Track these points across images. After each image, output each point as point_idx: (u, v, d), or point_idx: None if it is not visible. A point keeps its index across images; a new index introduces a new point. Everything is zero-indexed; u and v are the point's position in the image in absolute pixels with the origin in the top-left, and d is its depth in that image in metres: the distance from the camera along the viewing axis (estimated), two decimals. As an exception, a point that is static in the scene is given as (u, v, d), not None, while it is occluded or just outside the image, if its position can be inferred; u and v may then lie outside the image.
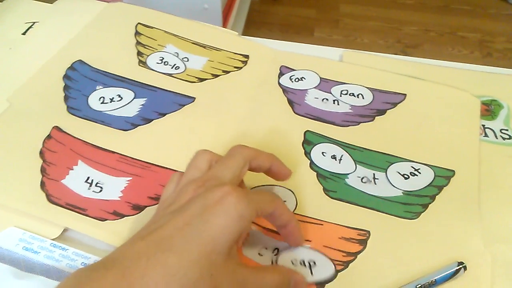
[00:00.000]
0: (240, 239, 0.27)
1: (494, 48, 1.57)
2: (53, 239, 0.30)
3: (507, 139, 0.39)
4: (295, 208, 0.33)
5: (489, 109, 0.42)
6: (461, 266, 0.29)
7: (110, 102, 0.40)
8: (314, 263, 0.30)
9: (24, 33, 0.47)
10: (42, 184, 0.33)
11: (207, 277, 0.23)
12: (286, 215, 0.28)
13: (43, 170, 0.34)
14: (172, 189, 0.29)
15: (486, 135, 0.39)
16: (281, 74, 0.44)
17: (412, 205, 0.33)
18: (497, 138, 0.39)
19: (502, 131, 0.40)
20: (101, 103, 0.40)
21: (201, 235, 0.23)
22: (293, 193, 0.34)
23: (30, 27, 0.47)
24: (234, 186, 0.25)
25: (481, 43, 1.59)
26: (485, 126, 0.40)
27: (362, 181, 0.35)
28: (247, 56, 0.46)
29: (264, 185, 0.34)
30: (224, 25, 1.14)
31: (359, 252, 0.30)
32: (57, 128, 0.38)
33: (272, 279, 0.26)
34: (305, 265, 0.30)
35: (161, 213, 0.26)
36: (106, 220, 0.32)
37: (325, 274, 0.29)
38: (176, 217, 0.25)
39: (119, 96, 0.41)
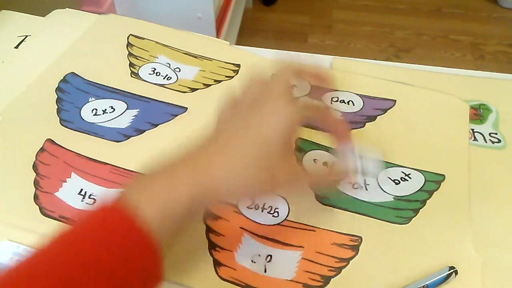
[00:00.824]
0: (292, 140, 0.30)
1: (486, 51, 1.58)
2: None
3: (496, 142, 0.39)
4: (287, 215, 0.33)
5: (478, 113, 0.42)
6: (452, 270, 0.29)
7: (103, 113, 0.41)
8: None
9: (16, 47, 0.47)
10: (36, 197, 0.34)
11: (264, 171, 0.27)
12: (335, 121, 0.32)
13: (36, 183, 0.35)
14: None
15: (475, 139, 0.40)
16: (272, 82, 0.44)
17: (403, 210, 0.34)
18: (486, 142, 0.39)
19: (491, 134, 0.40)
20: (94, 115, 0.40)
21: (258, 136, 0.28)
22: (286, 200, 0.34)
23: (23, 40, 0.48)
24: (285, 97, 0.29)
25: (473, 46, 1.60)
26: (474, 130, 0.40)
27: (353, 187, 0.35)
28: (238, 66, 0.46)
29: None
30: (218, 33, 1.15)
31: (352, 257, 0.31)
32: (50, 140, 0.38)
33: (316, 179, 0.32)
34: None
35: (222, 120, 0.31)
36: None
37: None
38: (235, 123, 0.29)
39: (112, 107, 0.41)
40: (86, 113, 0.41)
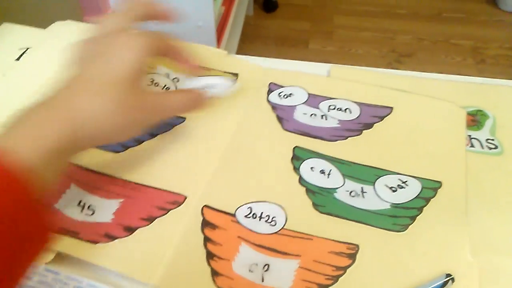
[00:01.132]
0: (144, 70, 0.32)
1: (487, 55, 1.59)
2: (46, 263, 0.31)
3: (493, 148, 0.39)
4: (284, 224, 0.34)
5: (475, 119, 0.42)
6: (449, 278, 0.29)
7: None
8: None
9: (17, 59, 0.48)
10: (36, 209, 0.34)
11: (124, 95, 0.29)
12: (181, 47, 0.36)
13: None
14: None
15: (472, 146, 0.40)
16: (270, 91, 0.45)
17: (400, 217, 0.34)
18: (483, 148, 0.39)
19: (488, 141, 0.40)
20: None
21: (110, 66, 0.30)
22: (283, 208, 0.35)
23: (24, 52, 0.48)
24: (132, 31, 0.32)
25: (474, 50, 1.61)
26: (471, 137, 0.40)
27: (350, 195, 0.35)
28: (236, 75, 0.46)
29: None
30: (219, 41, 1.15)
31: (349, 266, 0.31)
32: (50, 151, 0.38)
33: (175, 97, 0.34)
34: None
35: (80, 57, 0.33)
36: (98, 242, 0.32)
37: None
38: (94, 60, 0.31)
39: None
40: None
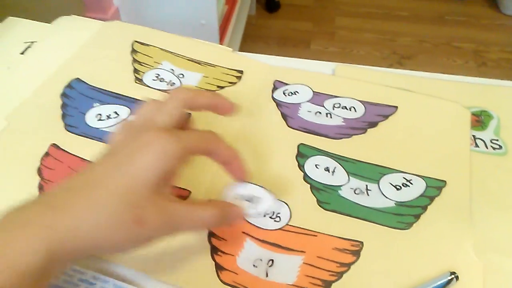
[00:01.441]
0: (170, 176, 0.27)
1: (489, 58, 1.59)
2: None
3: (497, 149, 0.40)
4: (289, 220, 0.34)
5: (479, 119, 0.42)
6: (453, 276, 0.29)
7: (107, 119, 0.41)
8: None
9: (22, 53, 0.48)
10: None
11: (130, 207, 0.24)
12: (228, 152, 0.29)
13: (40, 188, 0.35)
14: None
15: (476, 146, 0.40)
16: (275, 88, 0.45)
17: (404, 215, 0.34)
18: (487, 148, 0.40)
19: (493, 141, 0.40)
20: (98, 120, 0.41)
21: (126, 173, 0.24)
22: (288, 205, 0.35)
23: (29, 46, 0.48)
24: (164, 128, 0.27)
25: (476, 53, 1.61)
26: (476, 137, 0.40)
27: (355, 193, 0.35)
28: (241, 72, 0.46)
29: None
30: (221, 40, 1.15)
31: (353, 262, 0.31)
32: (54, 145, 0.38)
33: (204, 212, 0.27)
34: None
35: (97, 156, 0.27)
36: None
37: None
38: (106, 159, 0.26)
39: (116, 113, 0.42)
40: (91, 118, 0.41)
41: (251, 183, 0.31)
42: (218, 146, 0.29)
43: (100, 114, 0.41)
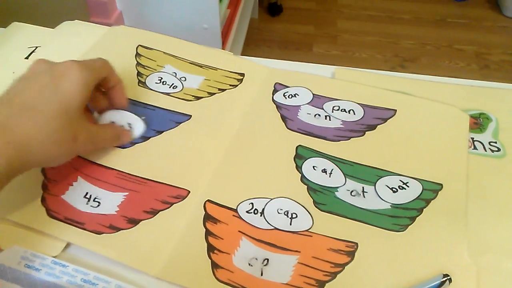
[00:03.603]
0: (86, 101, 0.34)
1: (491, 60, 1.59)
2: (53, 257, 0.31)
3: (496, 151, 0.40)
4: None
5: (478, 122, 0.43)
6: (446, 278, 0.30)
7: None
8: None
9: (27, 57, 0.49)
10: (43, 200, 0.35)
11: (68, 126, 0.31)
12: (115, 77, 0.38)
13: (44, 186, 0.36)
14: None
15: (475, 148, 0.40)
16: (275, 91, 0.45)
17: (400, 217, 0.34)
18: (485, 151, 0.40)
19: (491, 143, 0.41)
20: (101, 122, 0.42)
21: (56, 97, 0.31)
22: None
23: (33, 51, 0.49)
24: (74, 61, 0.33)
25: (478, 55, 1.61)
26: (474, 139, 0.41)
27: (351, 194, 0.36)
28: (242, 75, 0.47)
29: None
30: (224, 43, 1.16)
31: (347, 263, 0.31)
32: (58, 146, 0.39)
33: (106, 132, 0.37)
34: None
35: (13, 83, 0.33)
36: (102, 233, 0.33)
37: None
38: (29, 85, 0.31)
39: (129, 125, 0.42)
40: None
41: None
42: (112, 72, 0.37)
43: (113, 122, 0.42)
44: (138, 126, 0.40)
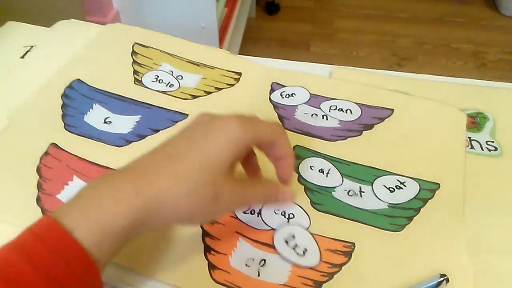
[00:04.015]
0: (237, 160, 0.30)
1: (488, 59, 1.59)
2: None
3: (493, 150, 0.40)
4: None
5: (475, 121, 0.43)
6: (443, 278, 0.29)
7: (104, 121, 0.42)
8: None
9: (22, 57, 0.48)
10: (38, 199, 0.35)
11: (210, 184, 0.26)
12: (287, 148, 0.31)
13: (39, 186, 0.36)
14: None
15: (472, 147, 0.40)
16: (272, 90, 0.45)
17: (397, 217, 0.34)
18: (483, 150, 0.40)
19: (488, 143, 0.41)
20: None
21: (203, 150, 0.27)
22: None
23: (28, 50, 0.49)
24: (239, 115, 0.28)
25: (475, 54, 1.61)
26: (471, 138, 0.41)
27: (348, 194, 0.36)
28: (239, 74, 0.47)
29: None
30: (221, 42, 1.16)
31: (344, 263, 0.31)
32: (54, 145, 0.39)
33: (256, 191, 0.30)
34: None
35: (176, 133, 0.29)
36: None
37: None
38: (183, 134, 0.29)
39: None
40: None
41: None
42: (282, 138, 0.31)
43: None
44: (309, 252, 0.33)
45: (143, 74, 0.47)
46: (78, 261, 0.23)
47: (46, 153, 0.38)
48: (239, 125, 0.28)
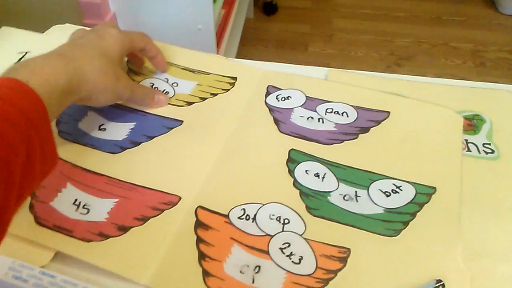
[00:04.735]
0: (123, 54, 0.41)
1: (487, 58, 1.59)
2: (42, 267, 0.31)
3: (490, 153, 0.40)
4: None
5: (472, 123, 0.42)
6: (439, 284, 0.29)
7: (100, 128, 0.41)
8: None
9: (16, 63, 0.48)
10: (31, 207, 0.34)
11: (111, 66, 0.38)
12: (155, 49, 0.45)
13: (32, 193, 0.35)
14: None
15: (469, 150, 0.40)
16: (268, 93, 0.45)
17: (393, 222, 0.34)
18: (480, 153, 0.40)
19: (485, 145, 0.40)
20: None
21: (100, 44, 0.38)
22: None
23: (23, 56, 0.49)
24: (114, 25, 0.41)
25: (474, 53, 1.61)
26: (468, 141, 0.41)
27: (344, 199, 0.36)
28: (235, 78, 0.47)
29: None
30: (219, 44, 1.16)
31: (339, 269, 0.31)
32: (48, 152, 0.39)
33: (147, 89, 0.45)
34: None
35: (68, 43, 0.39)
36: (91, 241, 0.32)
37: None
38: (84, 37, 0.39)
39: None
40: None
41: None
42: (149, 43, 0.44)
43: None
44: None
45: (139, 82, 0.46)
46: (35, 101, 0.30)
47: (40, 160, 0.38)
48: (118, 31, 0.40)
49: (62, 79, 0.33)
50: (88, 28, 0.44)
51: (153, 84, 0.46)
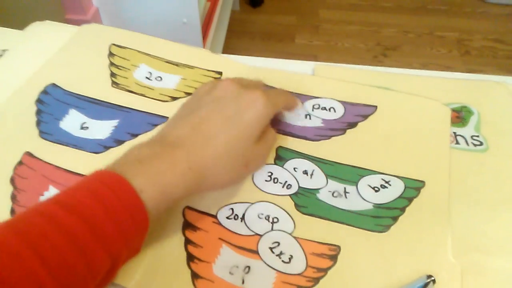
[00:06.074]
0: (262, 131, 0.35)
1: (472, 46, 1.60)
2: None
3: (478, 145, 0.40)
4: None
5: (460, 116, 0.42)
6: (430, 279, 0.29)
7: (87, 129, 0.40)
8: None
9: (-5, 61, 0.47)
10: (12, 212, 0.33)
11: (241, 156, 0.32)
12: (294, 103, 0.41)
13: (13, 198, 0.34)
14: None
15: (457, 143, 0.40)
16: (254, 89, 0.44)
17: (382, 218, 0.34)
18: (468, 145, 0.39)
19: (473, 137, 0.40)
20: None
21: (239, 129, 0.32)
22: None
23: (1, 55, 0.47)
24: (262, 91, 0.34)
25: (459, 41, 1.62)
26: (456, 133, 0.40)
27: (333, 196, 0.35)
28: (220, 73, 0.46)
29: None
30: (205, 37, 1.14)
31: (330, 267, 0.31)
32: (28, 153, 0.38)
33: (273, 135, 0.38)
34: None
35: (198, 99, 0.35)
36: None
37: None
38: (215, 111, 0.33)
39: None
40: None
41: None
42: (293, 100, 0.40)
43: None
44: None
45: (121, 77, 0.45)
46: (141, 220, 0.27)
47: (20, 162, 0.37)
48: (265, 102, 0.33)
49: (179, 192, 0.29)
50: (211, 76, 0.42)
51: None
